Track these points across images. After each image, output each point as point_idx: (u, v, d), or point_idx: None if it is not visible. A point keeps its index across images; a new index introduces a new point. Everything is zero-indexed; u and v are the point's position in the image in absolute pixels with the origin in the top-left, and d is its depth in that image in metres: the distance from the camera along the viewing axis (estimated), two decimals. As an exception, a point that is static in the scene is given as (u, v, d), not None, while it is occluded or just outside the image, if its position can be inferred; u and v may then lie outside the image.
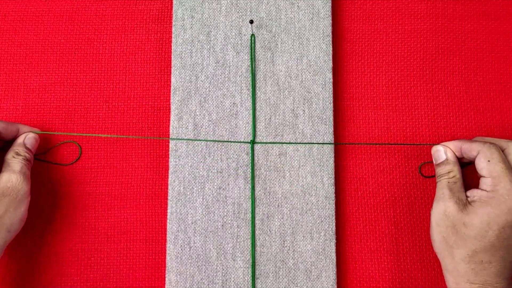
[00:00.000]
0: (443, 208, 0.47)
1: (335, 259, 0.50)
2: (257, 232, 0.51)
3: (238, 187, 0.51)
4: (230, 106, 0.53)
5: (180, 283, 0.50)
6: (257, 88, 0.53)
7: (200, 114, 0.52)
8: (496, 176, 0.45)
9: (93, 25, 0.56)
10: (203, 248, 0.50)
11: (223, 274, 0.50)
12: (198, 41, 0.54)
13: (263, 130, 0.52)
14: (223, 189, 0.51)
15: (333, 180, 0.52)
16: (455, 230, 0.45)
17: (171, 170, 0.51)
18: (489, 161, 0.46)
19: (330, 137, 0.52)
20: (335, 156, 0.53)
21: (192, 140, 0.52)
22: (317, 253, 0.50)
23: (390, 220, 0.53)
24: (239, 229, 0.51)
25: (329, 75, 0.53)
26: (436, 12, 0.58)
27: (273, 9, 0.54)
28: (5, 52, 0.56)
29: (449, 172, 0.49)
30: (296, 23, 0.54)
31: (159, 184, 0.53)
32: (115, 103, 0.55)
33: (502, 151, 0.47)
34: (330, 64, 0.54)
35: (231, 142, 0.52)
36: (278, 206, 0.51)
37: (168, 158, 0.53)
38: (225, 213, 0.51)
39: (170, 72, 0.54)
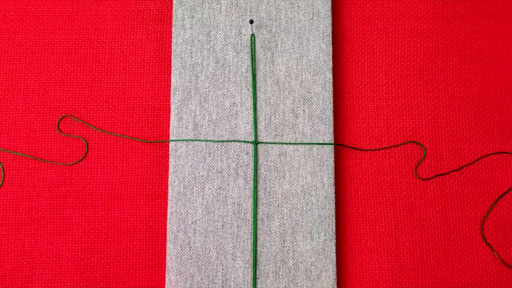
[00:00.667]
0: None
1: (335, 259, 0.50)
2: (257, 232, 0.51)
3: (238, 187, 0.51)
4: (230, 106, 0.53)
5: (180, 283, 0.50)
6: (257, 88, 0.53)
7: (200, 114, 0.52)
8: None
9: (93, 25, 0.57)
10: (203, 248, 0.50)
11: (223, 274, 0.50)
12: (198, 41, 0.54)
13: (263, 130, 0.52)
14: (223, 189, 0.51)
15: (333, 180, 0.52)
16: None
17: (171, 170, 0.51)
18: None
19: (330, 137, 0.52)
20: (335, 156, 0.53)
21: (194, 140, 0.52)
22: (317, 253, 0.50)
23: (390, 220, 0.53)
24: (239, 229, 0.51)
25: (329, 75, 0.53)
26: (436, 12, 0.58)
27: (273, 9, 0.54)
28: (5, 52, 0.56)
29: None
30: (296, 23, 0.54)
31: (159, 184, 0.53)
32: (115, 103, 0.55)
33: None
34: (330, 64, 0.54)
35: (235, 141, 0.52)
36: (278, 206, 0.51)
37: (168, 158, 0.53)
38: (225, 213, 0.51)
39: (170, 72, 0.54)
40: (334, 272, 0.50)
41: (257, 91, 0.53)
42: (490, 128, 0.55)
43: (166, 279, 0.50)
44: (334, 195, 0.52)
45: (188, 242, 0.50)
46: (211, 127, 0.52)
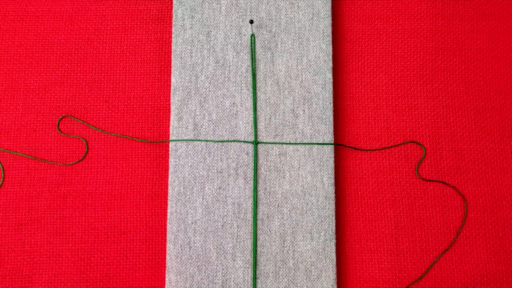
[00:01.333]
0: None
1: (335, 259, 0.50)
2: (257, 232, 0.51)
3: (238, 187, 0.51)
4: (230, 106, 0.53)
5: (180, 283, 0.50)
6: (257, 88, 0.53)
7: (200, 114, 0.52)
8: None
9: (93, 25, 0.57)
10: (203, 248, 0.50)
11: (223, 274, 0.50)
12: (198, 41, 0.54)
13: (263, 130, 0.52)
14: (223, 189, 0.51)
15: (333, 180, 0.52)
16: None
17: (171, 170, 0.51)
18: None
19: (330, 137, 0.52)
20: (335, 156, 0.53)
21: (194, 140, 0.52)
22: (317, 253, 0.50)
23: (390, 220, 0.53)
24: (239, 229, 0.51)
25: (329, 75, 0.53)
26: (436, 12, 0.58)
27: (273, 9, 0.54)
28: (5, 52, 0.56)
29: None
30: (296, 23, 0.54)
31: (159, 184, 0.53)
32: (115, 103, 0.55)
33: None
34: (330, 64, 0.54)
35: (235, 141, 0.52)
36: (278, 206, 0.51)
37: (168, 158, 0.53)
38: (225, 213, 0.51)
39: (170, 72, 0.54)
40: (334, 272, 0.50)
41: (257, 91, 0.53)
42: (490, 128, 0.55)
43: (166, 279, 0.50)
44: (334, 195, 0.52)
45: (188, 242, 0.50)
46: (211, 127, 0.52)
